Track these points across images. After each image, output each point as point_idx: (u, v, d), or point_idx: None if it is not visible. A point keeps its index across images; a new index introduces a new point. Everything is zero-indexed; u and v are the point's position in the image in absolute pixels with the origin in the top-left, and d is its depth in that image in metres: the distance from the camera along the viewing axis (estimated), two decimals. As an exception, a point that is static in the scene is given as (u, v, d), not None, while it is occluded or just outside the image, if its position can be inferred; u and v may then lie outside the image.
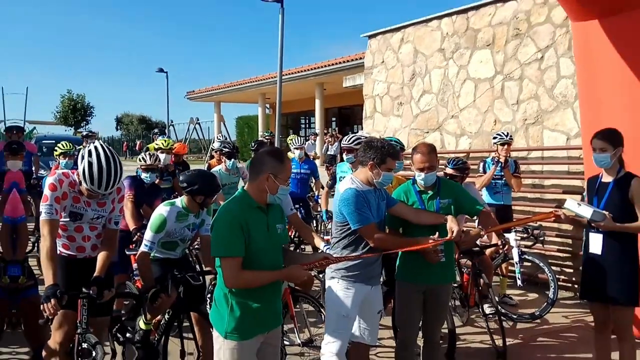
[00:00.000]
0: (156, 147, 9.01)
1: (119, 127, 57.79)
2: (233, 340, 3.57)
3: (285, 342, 5.43)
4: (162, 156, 8.59)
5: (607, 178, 4.93)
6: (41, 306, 4.01)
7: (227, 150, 8.81)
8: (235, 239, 3.50)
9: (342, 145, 7.63)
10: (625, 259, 4.79)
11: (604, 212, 4.74)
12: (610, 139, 4.84)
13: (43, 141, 20.65)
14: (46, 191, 4.33)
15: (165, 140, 9.21)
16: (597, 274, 4.86)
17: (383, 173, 4.39)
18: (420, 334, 4.96)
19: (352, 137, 7.53)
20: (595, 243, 4.87)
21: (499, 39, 9.65)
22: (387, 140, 4.62)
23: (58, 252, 4.41)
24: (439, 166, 5.08)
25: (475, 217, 5.30)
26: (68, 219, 4.45)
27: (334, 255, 4.27)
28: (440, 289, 4.84)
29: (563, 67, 8.60)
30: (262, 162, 3.67)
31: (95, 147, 4.26)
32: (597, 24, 6.27)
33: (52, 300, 3.95)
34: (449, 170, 6.71)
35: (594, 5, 6.25)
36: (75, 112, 53.60)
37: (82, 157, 4.25)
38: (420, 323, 4.91)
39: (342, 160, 8.83)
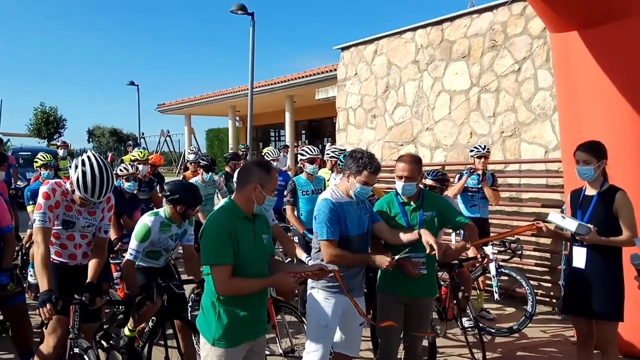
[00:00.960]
0: (132, 158, 9.06)
1: (90, 140, 57.56)
2: (220, 348, 3.64)
3: (266, 352, 5.42)
4: (140, 167, 8.67)
5: (590, 191, 4.89)
6: (37, 311, 4.12)
7: (204, 163, 8.94)
8: (225, 247, 3.56)
9: (305, 156, 7.51)
10: (609, 273, 4.73)
11: (589, 225, 4.69)
12: (593, 151, 4.79)
13: (19, 153, 21.12)
14: (40, 199, 4.47)
15: (141, 152, 9.37)
16: (581, 288, 4.80)
17: (358, 185, 4.35)
18: (402, 346, 4.91)
19: (310, 147, 7.64)
20: (579, 257, 4.81)
21: (474, 51, 9.60)
22: (371, 154, 4.49)
23: (50, 259, 4.52)
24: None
25: (455, 231, 5.20)
26: (61, 227, 4.61)
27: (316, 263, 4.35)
28: (422, 301, 4.81)
29: (541, 79, 8.57)
30: (250, 173, 3.75)
31: (89, 157, 4.42)
32: (576, 35, 6.25)
33: (48, 305, 4.07)
34: (428, 182, 6.59)
35: (574, 17, 6.23)
36: (48, 125, 53.36)
37: (76, 167, 4.38)
38: (402, 335, 4.86)
39: (297, 173, 8.81)
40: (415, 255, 4.63)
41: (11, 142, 40.60)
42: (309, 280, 4.45)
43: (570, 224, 4.71)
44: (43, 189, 4.51)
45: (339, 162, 6.67)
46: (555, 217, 4.86)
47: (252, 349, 3.82)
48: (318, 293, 4.42)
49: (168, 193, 5.30)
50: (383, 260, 4.29)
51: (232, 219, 3.66)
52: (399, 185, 4.67)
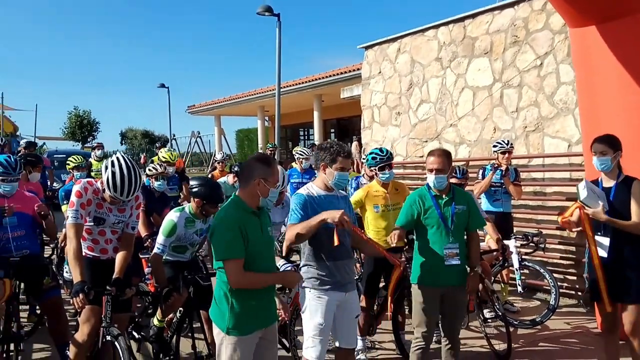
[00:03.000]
0: (163, 159, 9.22)
1: (123, 142, 58.36)
2: (234, 336, 3.80)
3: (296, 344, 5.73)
4: (170, 169, 9.03)
5: (607, 183, 5.02)
6: (70, 300, 4.47)
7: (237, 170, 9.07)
8: (236, 241, 3.73)
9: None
10: (633, 259, 4.85)
11: (600, 202, 4.84)
12: (610, 142, 4.97)
13: (54, 155, 21.29)
14: (73, 198, 4.76)
15: (171, 153, 9.62)
16: (607, 276, 4.89)
17: (336, 173, 4.44)
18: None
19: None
20: (602, 246, 4.95)
21: (496, 47, 9.64)
22: (338, 142, 4.64)
23: (84, 254, 4.83)
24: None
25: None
26: (92, 224, 4.91)
27: (304, 264, 4.50)
28: (458, 289, 4.99)
29: (563, 74, 8.58)
30: (252, 168, 3.92)
31: (118, 158, 4.69)
32: (594, 30, 6.29)
33: (80, 295, 4.39)
34: (454, 180, 6.69)
35: (592, 11, 6.27)
36: (82, 128, 54.33)
37: (106, 167, 4.66)
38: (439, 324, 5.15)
39: None
40: (450, 246, 4.89)
41: (47, 145, 41.41)
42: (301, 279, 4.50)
43: (582, 193, 4.90)
44: (76, 188, 4.80)
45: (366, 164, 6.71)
46: (581, 186, 5.00)
47: (264, 337, 3.97)
48: (310, 292, 4.46)
49: (192, 184, 5.61)
50: (333, 215, 4.15)
51: (241, 214, 3.81)
52: (430, 178, 4.89)
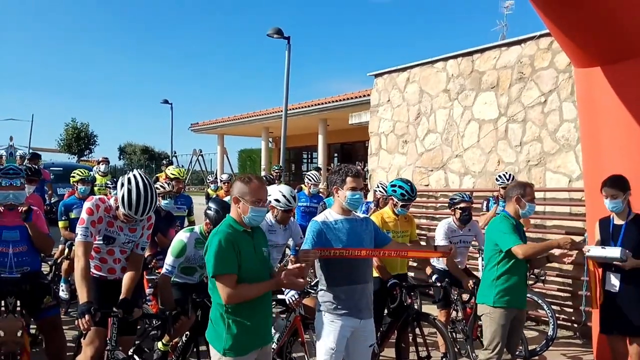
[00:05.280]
0: (172, 176, 9.22)
1: (121, 157, 57.58)
2: (230, 357, 3.81)
3: None
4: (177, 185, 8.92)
5: (618, 221, 5.31)
6: (76, 322, 4.25)
7: None
8: (229, 257, 3.75)
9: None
10: None
11: (626, 250, 5.07)
12: (619, 185, 5.26)
13: (51, 168, 20.70)
14: (83, 215, 4.60)
15: (180, 170, 9.44)
16: (617, 309, 5.18)
17: (348, 193, 4.48)
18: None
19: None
20: (614, 281, 5.21)
21: (503, 82, 9.93)
22: (346, 164, 4.79)
23: (90, 272, 4.61)
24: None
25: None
26: (102, 242, 4.74)
27: (320, 288, 4.53)
28: (525, 312, 5.63)
29: (566, 111, 8.86)
30: (233, 188, 4.00)
31: (135, 176, 4.53)
32: (599, 71, 6.45)
33: (86, 316, 4.15)
34: (464, 204, 7.11)
35: (597, 53, 6.42)
36: (79, 141, 53.36)
37: (122, 185, 4.51)
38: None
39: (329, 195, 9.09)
40: None
41: (41, 157, 40.93)
42: (318, 303, 4.60)
43: (613, 252, 5.09)
44: (87, 205, 4.63)
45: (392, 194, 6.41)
46: (596, 251, 5.25)
47: (258, 358, 3.97)
48: (325, 316, 4.47)
49: (209, 205, 5.51)
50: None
51: (233, 232, 3.84)
52: (532, 207, 5.40)
